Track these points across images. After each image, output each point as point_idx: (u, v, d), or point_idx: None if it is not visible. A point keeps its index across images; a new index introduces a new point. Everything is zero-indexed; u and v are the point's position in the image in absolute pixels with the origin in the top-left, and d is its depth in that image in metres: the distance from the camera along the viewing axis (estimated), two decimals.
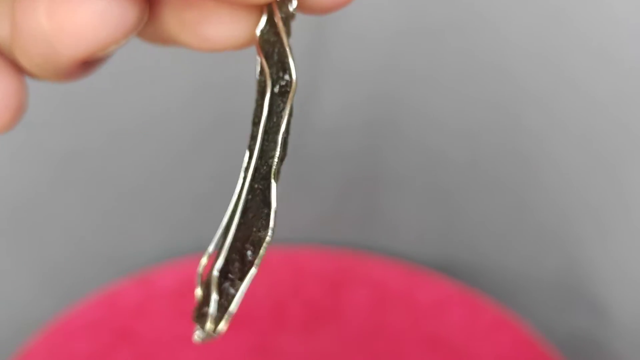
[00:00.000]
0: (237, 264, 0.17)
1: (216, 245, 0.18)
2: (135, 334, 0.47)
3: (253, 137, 0.18)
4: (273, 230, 0.17)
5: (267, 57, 0.18)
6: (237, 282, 0.17)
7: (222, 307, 0.17)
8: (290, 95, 0.18)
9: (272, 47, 0.18)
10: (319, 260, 0.50)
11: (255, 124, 0.18)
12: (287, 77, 0.18)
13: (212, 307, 0.17)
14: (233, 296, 0.17)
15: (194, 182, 0.49)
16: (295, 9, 0.18)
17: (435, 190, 0.50)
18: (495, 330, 0.47)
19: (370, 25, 0.44)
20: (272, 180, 0.17)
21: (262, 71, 0.18)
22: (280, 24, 0.18)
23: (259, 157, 0.17)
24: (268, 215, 0.17)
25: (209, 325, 0.17)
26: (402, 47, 0.45)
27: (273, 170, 0.17)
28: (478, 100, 0.46)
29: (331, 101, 0.47)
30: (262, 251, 0.17)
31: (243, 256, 0.17)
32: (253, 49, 0.18)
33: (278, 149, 0.17)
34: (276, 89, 0.18)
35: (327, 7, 0.18)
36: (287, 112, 0.18)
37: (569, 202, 0.46)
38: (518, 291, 0.50)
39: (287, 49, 0.18)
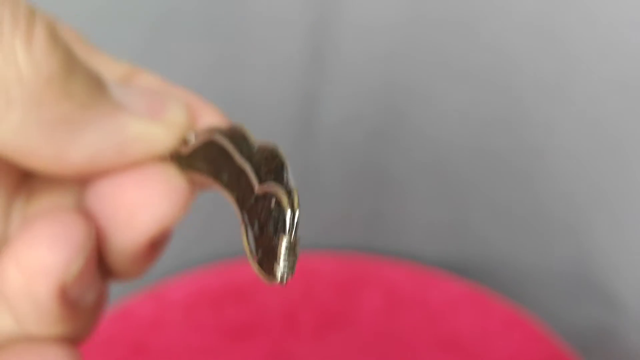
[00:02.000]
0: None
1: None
2: (149, 348, 0.47)
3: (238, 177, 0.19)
4: None
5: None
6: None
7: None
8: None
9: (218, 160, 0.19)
10: (329, 264, 0.50)
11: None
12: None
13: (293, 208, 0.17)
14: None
15: (206, 195, 0.49)
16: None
17: (442, 190, 0.50)
18: (507, 329, 0.47)
19: (373, 30, 0.44)
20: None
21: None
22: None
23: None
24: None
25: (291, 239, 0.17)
26: (405, 51, 0.45)
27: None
28: (484, 96, 0.46)
29: (336, 106, 0.47)
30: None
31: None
32: None
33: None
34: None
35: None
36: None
37: (579, 192, 0.46)
38: (530, 286, 0.50)
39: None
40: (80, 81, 0.18)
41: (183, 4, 0.42)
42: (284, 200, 0.17)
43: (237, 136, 0.19)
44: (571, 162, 0.45)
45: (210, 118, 0.20)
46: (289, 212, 0.17)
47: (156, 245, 0.20)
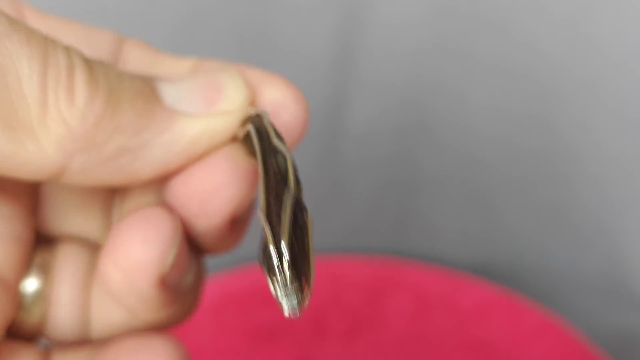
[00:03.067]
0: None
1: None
2: None
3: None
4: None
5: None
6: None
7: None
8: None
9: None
10: (357, 267, 0.50)
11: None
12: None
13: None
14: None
15: None
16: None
17: (472, 191, 0.50)
18: (539, 334, 0.47)
19: (400, 31, 0.44)
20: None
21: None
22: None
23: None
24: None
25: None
26: (436, 47, 0.45)
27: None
28: (516, 94, 0.45)
29: (363, 107, 0.47)
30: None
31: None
32: None
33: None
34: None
35: None
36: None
37: (614, 195, 0.45)
38: (562, 290, 0.49)
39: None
40: (128, 110, 0.18)
41: (208, 3, 0.42)
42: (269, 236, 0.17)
43: (259, 125, 0.19)
44: (606, 162, 0.44)
45: (274, 90, 0.21)
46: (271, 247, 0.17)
47: (238, 221, 0.21)
